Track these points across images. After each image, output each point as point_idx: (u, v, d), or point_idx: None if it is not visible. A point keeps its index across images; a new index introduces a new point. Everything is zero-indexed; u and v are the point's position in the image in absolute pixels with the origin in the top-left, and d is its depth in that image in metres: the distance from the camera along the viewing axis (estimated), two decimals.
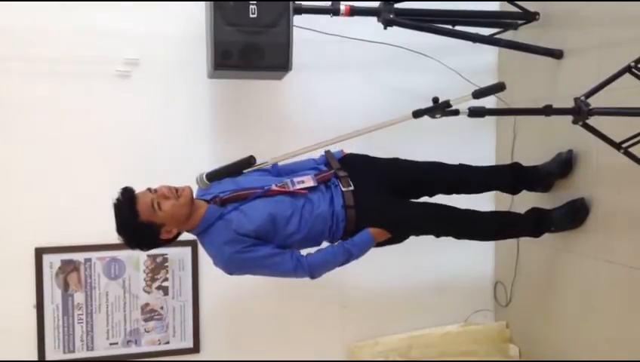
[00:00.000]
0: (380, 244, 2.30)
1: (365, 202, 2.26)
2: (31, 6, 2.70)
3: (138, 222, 2.03)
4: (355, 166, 2.39)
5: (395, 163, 2.50)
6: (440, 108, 1.97)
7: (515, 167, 2.74)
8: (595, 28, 2.59)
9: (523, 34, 2.98)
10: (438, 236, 2.44)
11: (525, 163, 2.76)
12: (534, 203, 2.74)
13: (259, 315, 3.06)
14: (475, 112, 2.05)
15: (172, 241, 2.19)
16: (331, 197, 2.26)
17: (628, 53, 2.15)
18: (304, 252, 2.24)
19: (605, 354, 2.52)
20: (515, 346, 3.21)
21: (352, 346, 3.17)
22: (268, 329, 3.08)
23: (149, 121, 2.90)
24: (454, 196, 2.58)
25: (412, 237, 2.40)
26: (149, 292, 2.96)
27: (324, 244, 2.31)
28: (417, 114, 2.01)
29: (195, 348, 3.02)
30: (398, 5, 2.75)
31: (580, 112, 2.04)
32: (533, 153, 2.88)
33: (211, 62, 2.55)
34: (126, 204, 2.03)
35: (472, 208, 2.51)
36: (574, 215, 2.61)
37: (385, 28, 2.73)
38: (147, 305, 2.97)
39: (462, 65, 3.07)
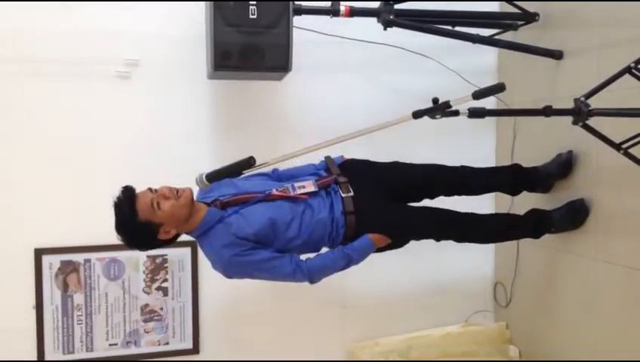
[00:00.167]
0: (380, 249, 2.30)
1: (365, 208, 2.26)
2: (31, 6, 2.70)
3: (137, 221, 2.03)
4: (355, 171, 2.39)
5: (395, 167, 2.50)
6: (440, 109, 1.97)
7: (516, 168, 2.74)
8: (594, 28, 2.59)
9: (523, 35, 2.98)
10: (438, 240, 2.44)
11: (525, 163, 2.76)
12: (534, 204, 2.74)
13: (259, 316, 3.06)
14: (475, 113, 2.05)
15: (171, 242, 2.18)
16: (331, 203, 2.25)
17: (628, 54, 2.15)
18: (303, 257, 2.24)
19: (605, 355, 2.51)
20: (515, 347, 3.20)
21: (352, 347, 3.16)
22: (268, 330, 3.08)
23: (149, 121, 2.90)
24: (454, 198, 2.58)
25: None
26: (148, 293, 2.96)
27: (324, 250, 2.31)
28: (417, 114, 2.01)
29: (195, 349, 3.02)
30: (398, 6, 2.75)
31: (580, 113, 2.04)
32: (533, 154, 2.88)
33: (211, 63, 2.55)
34: (126, 203, 2.03)
35: (471, 210, 2.52)
36: (574, 216, 2.61)
37: (385, 29, 2.73)
38: (147, 305, 2.96)
39: (462, 65, 3.07)
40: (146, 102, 2.90)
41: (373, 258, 2.31)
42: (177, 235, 2.18)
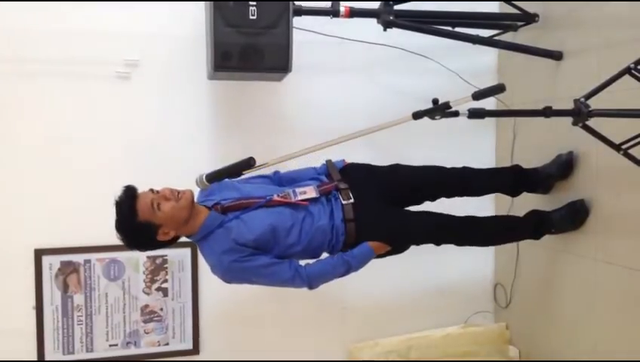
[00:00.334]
0: (380, 255, 2.30)
1: (365, 215, 2.25)
2: (31, 7, 2.70)
3: (136, 221, 2.04)
4: (356, 177, 2.38)
5: (396, 171, 2.49)
6: (440, 110, 1.97)
7: (516, 169, 2.74)
8: (594, 29, 2.59)
9: (522, 35, 2.98)
10: (438, 244, 2.44)
11: (525, 164, 2.76)
12: (534, 205, 2.74)
13: (258, 316, 3.06)
14: (475, 114, 2.05)
15: (169, 244, 2.19)
16: (331, 210, 2.25)
17: (628, 55, 2.15)
18: (302, 263, 2.25)
19: (605, 355, 2.51)
20: (515, 347, 3.20)
21: (351, 347, 3.16)
22: (268, 331, 3.08)
23: (149, 122, 2.90)
24: (454, 198, 2.58)
25: None
26: (148, 294, 2.96)
27: (324, 255, 2.31)
28: (417, 115, 2.01)
29: (195, 350, 3.02)
30: (397, 7, 2.75)
31: (580, 114, 2.04)
32: (533, 154, 2.88)
33: (211, 64, 2.55)
34: (126, 202, 2.04)
35: (471, 211, 2.52)
36: (574, 216, 2.61)
37: (385, 29, 2.74)
38: (147, 306, 2.96)
39: (461, 66, 3.07)
40: (146, 102, 2.90)
41: (373, 260, 2.31)
42: (176, 237, 2.18)
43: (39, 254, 2.79)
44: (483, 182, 2.64)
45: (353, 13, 2.69)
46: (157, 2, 2.85)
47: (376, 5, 2.74)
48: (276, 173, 2.46)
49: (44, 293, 2.82)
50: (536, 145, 2.93)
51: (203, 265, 2.88)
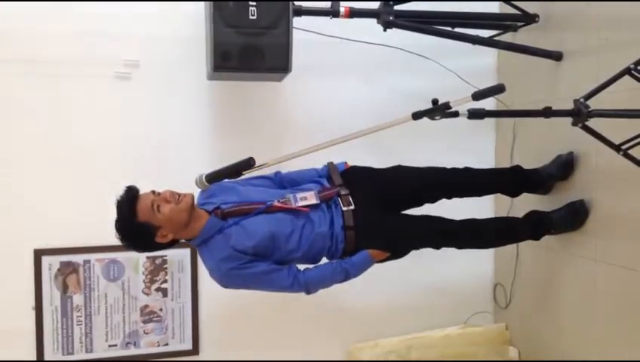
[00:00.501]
0: (380, 260, 2.30)
1: (365, 223, 2.25)
2: (30, 7, 2.70)
3: (135, 222, 2.04)
4: (357, 181, 2.37)
5: (397, 173, 2.47)
6: (439, 110, 1.96)
7: (516, 169, 2.74)
8: (594, 30, 2.59)
9: (522, 36, 2.98)
10: (438, 248, 2.44)
11: (525, 164, 2.76)
12: (534, 205, 2.74)
13: (258, 316, 3.05)
14: (475, 114, 2.05)
15: (167, 247, 2.19)
16: (332, 217, 2.24)
17: (627, 55, 2.14)
18: (301, 267, 2.25)
19: (605, 355, 2.51)
20: (515, 348, 3.20)
21: (351, 347, 3.16)
22: (267, 330, 3.08)
23: (149, 122, 2.90)
24: (454, 199, 2.58)
25: None
26: (148, 294, 2.96)
27: (323, 260, 2.31)
28: (417, 115, 2.01)
29: (195, 350, 3.02)
30: (397, 7, 2.75)
31: (580, 114, 2.04)
32: (533, 155, 2.88)
33: (211, 64, 2.55)
34: (127, 202, 2.04)
35: (471, 211, 2.52)
36: (574, 217, 2.61)
37: (384, 30, 2.73)
38: (146, 306, 2.96)
39: (461, 66, 3.07)
40: (145, 102, 2.89)
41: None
42: (175, 241, 2.18)
43: (39, 254, 2.79)
44: (483, 182, 2.65)
45: (353, 14, 2.69)
46: (157, 2, 2.85)
47: (376, 5, 2.74)
48: (277, 173, 2.45)
49: (44, 294, 2.82)
50: (536, 145, 2.93)
51: (203, 266, 2.87)
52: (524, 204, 2.80)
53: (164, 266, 2.96)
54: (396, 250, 2.32)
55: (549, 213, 2.66)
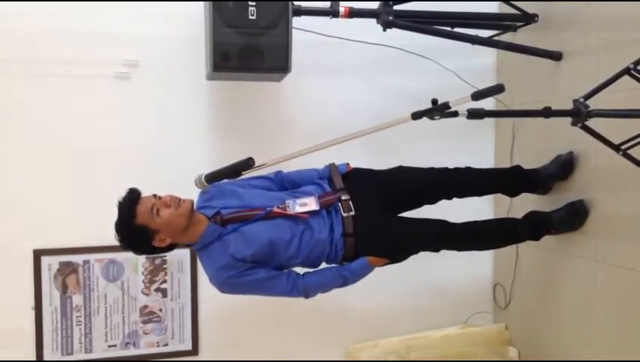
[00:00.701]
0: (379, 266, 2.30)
1: (365, 229, 2.24)
2: (30, 7, 2.70)
3: (134, 224, 2.04)
4: (358, 184, 2.35)
5: (399, 176, 2.46)
6: (439, 110, 1.96)
7: (516, 169, 2.74)
8: (594, 29, 2.59)
9: (522, 36, 2.98)
10: (437, 251, 2.44)
11: (524, 164, 2.76)
12: (533, 205, 2.74)
13: (258, 317, 3.05)
14: (474, 114, 2.05)
15: (165, 251, 2.19)
16: (331, 224, 2.24)
17: (627, 55, 2.14)
18: (300, 270, 2.25)
19: (605, 355, 2.51)
20: (515, 348, 3.20)
21: (351, 347, 3.16)
22: (267, 331, 3.08)
23: (148, 122, 2.89)
24: (454, 199, 2.58)
25: None
26: (147, 295, 2.96)
27: (323, 265, 2.31)
28: (416, 115, 2.01)
29: (194, 350, 3.01)
30: (397, 7, 2.75)
31: (579, 114, 2.04)
32: (533, 155, 2.88)
33: (210, 64, 2.55)
34: (127, 204, 2.04)
35: (470, 211, 2.53)
36: (574, 217, 2.61)
37: (384, 30, 2.73)
38: (146, 307, 2.96)
39: (461, 66, 3.07)
40: (145, 103, 2.89)
41: None
42: (173, 245, 2.17)
43: (38, 255, 2.79)
44: (483, 182, 2.64)
45: (353, 14, 2.69)
46: (157, 2, 2.85)
47: (375, 5, 2.74)
48: (278, 173, 2.44)
49: (43, 294, 2.81)
50: (536, 145, 2.93)
51: (202, 266, 2.89)
52: (523, 204, 2.80)
53: (164, 266, 2.96)
54: (396, 255, 2.32)
55: (548, 214, 2.66)
